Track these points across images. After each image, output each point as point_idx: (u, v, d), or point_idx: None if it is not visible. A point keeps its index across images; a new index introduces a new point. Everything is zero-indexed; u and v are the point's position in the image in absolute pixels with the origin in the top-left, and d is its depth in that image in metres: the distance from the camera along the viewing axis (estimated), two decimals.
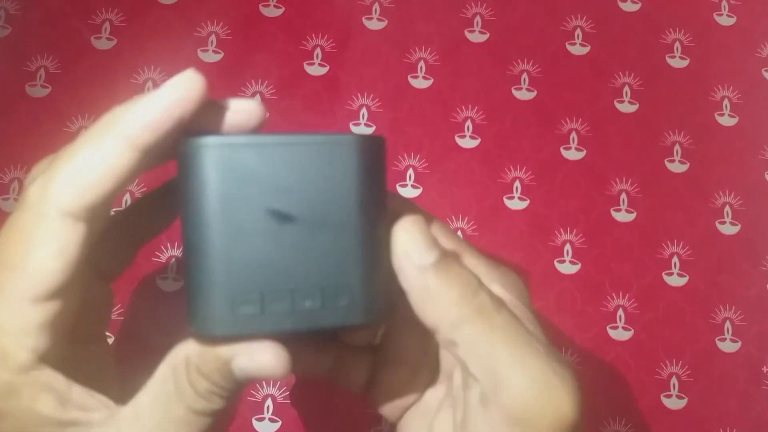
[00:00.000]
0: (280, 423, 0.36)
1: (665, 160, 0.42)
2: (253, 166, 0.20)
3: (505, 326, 0.21)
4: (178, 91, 0.19)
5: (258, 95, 0.41)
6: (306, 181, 0.20)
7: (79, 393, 0.21)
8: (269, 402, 0.36)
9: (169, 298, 0.32)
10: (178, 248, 0.38)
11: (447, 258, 0.22)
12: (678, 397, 0.38)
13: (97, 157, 0.19)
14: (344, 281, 0.21)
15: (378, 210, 0.21)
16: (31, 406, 0.20)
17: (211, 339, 0.20)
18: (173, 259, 0.38)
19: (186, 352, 0.20)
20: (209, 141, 0.20)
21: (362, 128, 0.41)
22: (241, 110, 0.21)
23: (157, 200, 0.25)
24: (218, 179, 0.20)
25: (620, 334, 0.39)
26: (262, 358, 0.20)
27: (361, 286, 0.21)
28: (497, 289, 0.23)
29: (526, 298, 0.24)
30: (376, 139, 0.22)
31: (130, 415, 0.20)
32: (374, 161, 0.21)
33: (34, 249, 0.20)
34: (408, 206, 0.24)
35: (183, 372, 0.20)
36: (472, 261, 0.24)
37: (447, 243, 0.24)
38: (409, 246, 0.21)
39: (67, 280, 0.20)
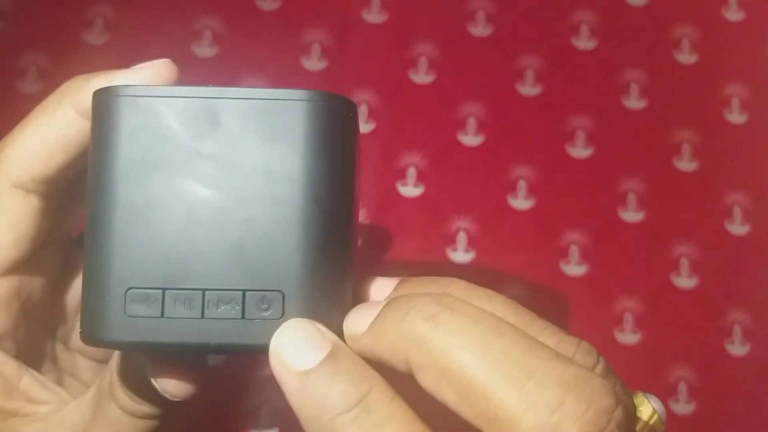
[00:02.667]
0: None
1: (674, 159, 0.41)
2: (172, 124, 0.16)
3: None
4: (146, 71, 0.19)
5: None
6: (239, 147, 0.16)
7: (29, 383, 0.20)
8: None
9: None
10: None
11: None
12: (686, 401, 0.38)
13: (48, 128, 0.19)
14: (276, 286, 0.16)
15: (336, 194, 0.17)
16: None
17: (96, 345, 0.17)
18: None
19: None
20: (122, 90, 0.16)
21: (362, 125, 0.40)
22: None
23: None
24: (128, 137, 0.16)
25: (627, 337, 0.39)
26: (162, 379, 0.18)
27: (299, 296, 0.16)
28: (553, 392, 0.15)
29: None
30: (340, 99, 0.17)
31: (72, 411, 0.19)
32: (336, 129, 0.17)
33: None
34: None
35: (114, 368, 0.19)
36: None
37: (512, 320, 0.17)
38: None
39: (22, 256, 0.19)
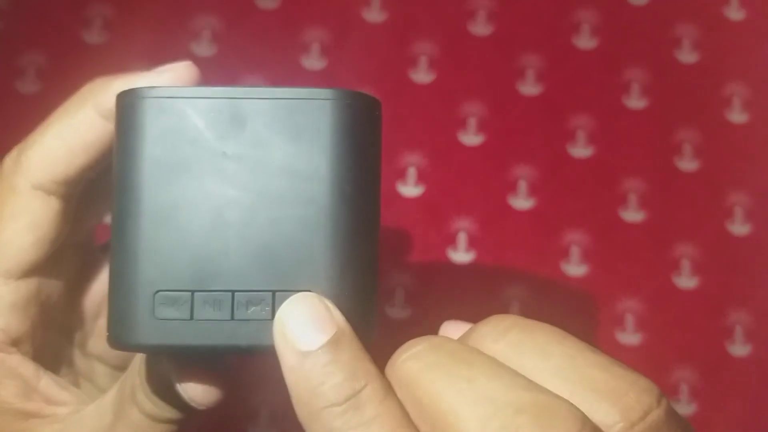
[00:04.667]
0: None
1: (675, 158, 0.41)
2: (198, 125, 0.16)
3: None
4: (168, 74, 0.18)
5: None
6: (265, 147, 0.16)
7: (48, 384, 0.20)
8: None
9: None
10: None
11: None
12: (688, 402, 0.38)
13: (69, 129, 0.19)
14: (305, 286, 0.16)
15: (363, 193, 0.17)
16: None
17: (124, 348, 0.16)
18: None
19: None
20: (147, 92, 0.16)
21: None
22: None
23: None
24: (153, 139, 0.16)
25: (628, 338, 0.39)
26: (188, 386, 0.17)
27: (329, 295, 0.16)
28: (511, 418, 0.14)
29: None
30: (366, 98, 0.17)
31: (92, 413, 0.19)
32: (362, 127, 0.17)
33: (5, 223, 0.19)
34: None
35: (137, 373, 0.19)
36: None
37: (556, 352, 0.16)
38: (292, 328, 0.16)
39: (41, 258, 0.19)
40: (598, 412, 0.14)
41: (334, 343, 0.16)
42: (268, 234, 0.16)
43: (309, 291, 0.16)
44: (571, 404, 0.14)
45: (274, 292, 0.16)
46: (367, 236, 0.17)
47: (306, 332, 0.16)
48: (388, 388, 0.16)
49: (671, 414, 0.15)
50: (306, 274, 0.16)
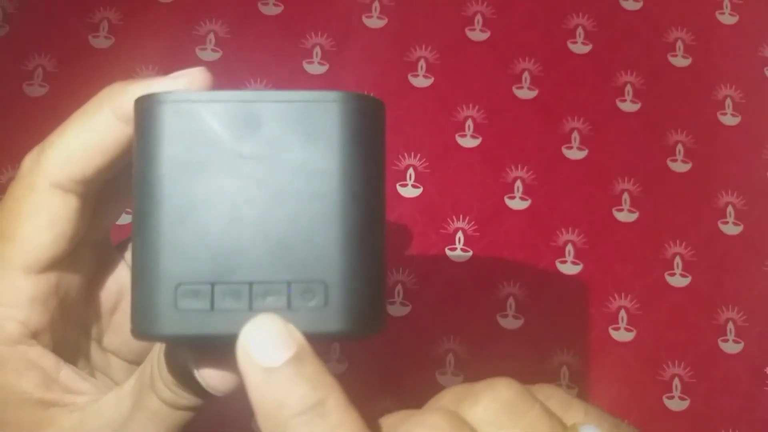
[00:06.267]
0: None
1: (667, 160, 0.41)
2: (214, 128, 0.17)
3: None
4: (183, 79, 0.19)
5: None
6: (278, 147, 0.17)
7: (68, 375, 0.20)
8: None
9: None
10: None
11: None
12: (680, 398, 0.38)
13: (87, 131, 0.19)
14: (319, 276, 0.17)
15: (370, 189, 0.18)
16: (13, 381, 0.19)
17: (148, 339, 0.17)
18: None
19: None
20: (165, 97, 0.17)
21: None
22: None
23: None
24: (172, 142, 0.17)
25: (622, 335, 0.39)
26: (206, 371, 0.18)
27: (341, 284, 0.17)
28: None
29: None
30: (371, 100, 0.18)
31: (111, 402, 0.20)
32: (368, 127, 0.18)
33: (25, 220, 0.19)
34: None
35: (156, 362, 0.19)
36: None
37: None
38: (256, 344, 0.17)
39: (61, 254, 0.20)
40: None
41: (297, 358, 0.16)
42: (283, 229, 0.17)
43: (322, 281, 0.17)
44: None
45: (289, 282, 0.17)
46: (374, 229, 0.17)
47: (270, 350, 0.16)
48: (349, 400, 0.17)
49: None
50: (318, 266, 0.17)
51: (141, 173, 0.17)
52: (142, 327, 0.17)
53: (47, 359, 0.20)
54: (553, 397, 0.18)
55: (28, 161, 0.20)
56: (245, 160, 0.17)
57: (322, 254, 0.17)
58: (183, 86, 0.19)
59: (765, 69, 0.43)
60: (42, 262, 0.20)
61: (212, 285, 0.17)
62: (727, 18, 0.44)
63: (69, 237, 0.20)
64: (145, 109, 0.17)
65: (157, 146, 0.17)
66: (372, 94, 0.18)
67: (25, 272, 0.19)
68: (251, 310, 0.17)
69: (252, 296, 0.17)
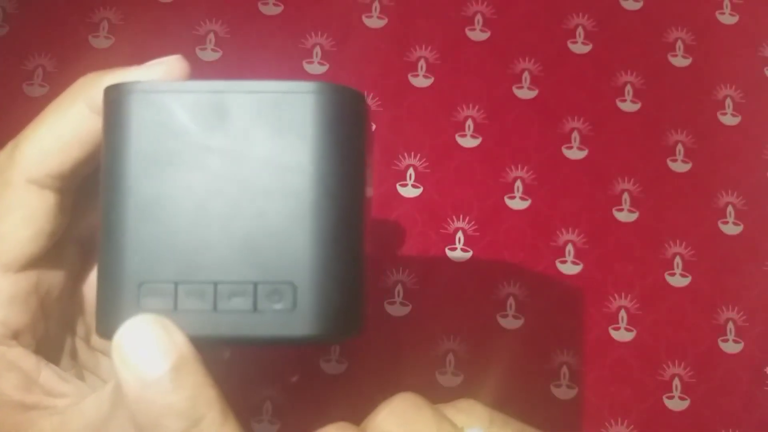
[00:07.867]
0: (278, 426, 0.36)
1: (668, 160, 0.41)
2: (182, 119, 0.16)
3: None
4: (158, 68, 0.18)
5: None
6: (248, 140, 0.16)
7: (49, 377, 0.20)
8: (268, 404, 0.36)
9: None
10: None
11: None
12: (680, 398, 0.38)
13: (62, 124, 0.19)
14: (286, 277, 0.16)
15: (346, 187, 0.17)
16: None
17: (110, 338, 0.16)
18: None
19: None
20: (133, 87, 0.16)
21: None
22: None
23: None
24: (139, 133, 0.16)
25: (622, 335, 0.39)
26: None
27: (310, 287, 0.16)
28: None
29: None
30: (348, 91, 0.17)
31: (92, 404, 0.19)
32: (344, 121, 0.17)
33: (1, 217, 0.19)
34: None
35: None
36: None
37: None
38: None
39: (40, 251, 0.19)
40: None
41: (174, 370, 0.15)
42: (251, 226, 0.16)
43: (291, 283, 0.16)
44: None
45: (255, 283, 0.16)
46: (350, 229, 0.17)
47: (146, 359, 0.15)
48: (228, 413, 0.16)
49: None
50: (287, 267, 0.16)
51: (107, 166, 0.17)
52: (105, 326, 0.16)
53: (28, 360, 0.19)
54: (466, 410, 0.18)
55: (1, 157, 0.19)
56: (214, 153, 0.16)
57: (291, 255, 0.16)
58: (158, 75, 0.18)
59: (765, 69, 0.43)
60: (20, 261, 0.19)
61: (176, 284, 0.16)
62: (727, 18, 0.44)
63: (48, 234, 0.19)
64: (113, 100, 0.17)
65: (123, 138, 0.16)
66: (351, 87, 0.17)
67: (3, 271, 0.19)
68: (216, 311, 0.16)
69: (217, 297, 0.16)
